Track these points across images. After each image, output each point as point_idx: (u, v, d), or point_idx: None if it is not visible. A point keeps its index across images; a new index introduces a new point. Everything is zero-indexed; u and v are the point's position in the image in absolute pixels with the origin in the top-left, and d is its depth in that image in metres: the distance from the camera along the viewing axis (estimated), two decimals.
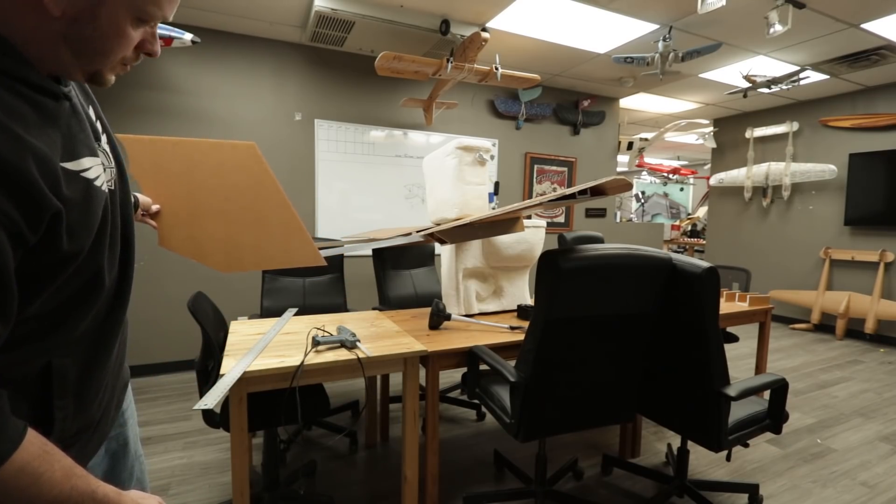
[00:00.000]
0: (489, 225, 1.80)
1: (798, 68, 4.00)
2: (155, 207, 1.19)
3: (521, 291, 2.40)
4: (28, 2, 0.51)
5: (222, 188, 1.18)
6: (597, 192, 1.42)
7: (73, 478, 0.57)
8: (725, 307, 2.53)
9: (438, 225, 2.14)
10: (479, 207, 2.15)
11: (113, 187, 0.69)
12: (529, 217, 2.32)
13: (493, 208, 4.67)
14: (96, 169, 0.62)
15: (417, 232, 1.97)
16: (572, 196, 1.45)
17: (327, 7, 2.95)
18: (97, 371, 0.71)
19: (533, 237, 2.27)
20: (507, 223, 1.78)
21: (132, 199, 0.78)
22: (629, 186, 1.39)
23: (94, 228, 0.62)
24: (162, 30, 2.77)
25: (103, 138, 0.71)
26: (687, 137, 7.04)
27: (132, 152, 1.15)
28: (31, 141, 0.50)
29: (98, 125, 0.71)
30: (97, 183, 0.62)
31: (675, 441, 2.50)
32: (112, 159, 0.72)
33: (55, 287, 0.59)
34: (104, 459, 0.85)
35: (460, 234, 1.80)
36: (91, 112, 0.70)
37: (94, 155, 0.63)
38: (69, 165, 0.56)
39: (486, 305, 2.30)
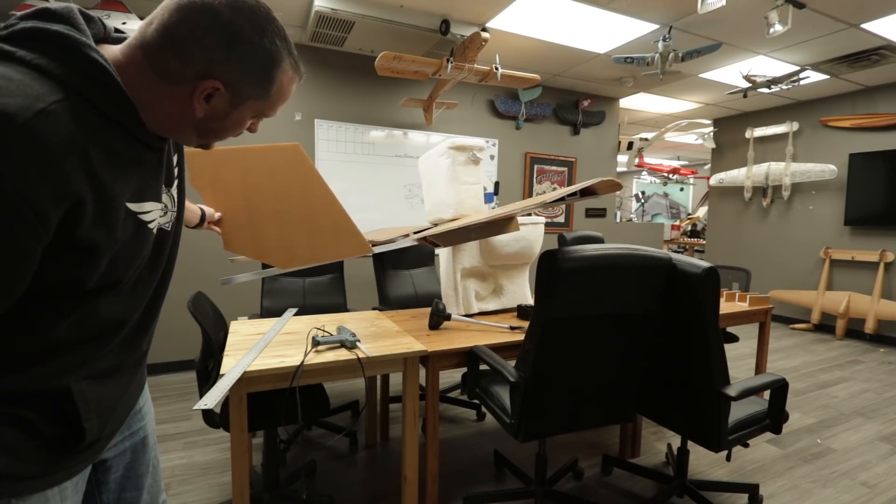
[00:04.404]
0: (482, 226, 1.80)
1: (798, 68, 4.00)
2: (217, 215, 1.29)
3: (522, 289, 2.38)
4: (184, 102, 0.66)
5: (274, 190, 1.25)
6: (587, 192, 1.44)
7: None
8: (725, 307, 2.53)
9: (436, 225, 2.14)
10: (475, 207, 2.14)
11: (169, 228, 0.80)
12: (530, 214, 2.31)
13: (493, 208, 4.68)
14: (154, 213, 0.73)
15: (410, 234, 1.97)
16: (562, 198, 1.46)
17: (327, 7, 2.95)
18: (115, 394, 0.77)
19: (531, 234, 2.25)
20: (500, 223, 1.77)
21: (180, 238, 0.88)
22: (619, 186, 1.41)
23: (134, 263, 0.71)
24: None
25: (175, 183, 0.81)
26: (687, 137, 7.04)
27: (192, 165, 1.20)
28: (101, 174, 0.60)
29: (175, 170, 0.81)
30: (150, 225, 0.72)
31: (675, 441, 2.50)
32: (176, 203, 0.82)
33: (83, 313, 0.68)
34: (126, 454, 0.91)
35: (453, 237, 1.80)
36: (175, 158, 0.81)
37: (158, 200, 0.74)
38: (132, 206, 0.68)
39: (487, 304, 2.30)
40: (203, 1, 0.62)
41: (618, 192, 9.07)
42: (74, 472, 0.73)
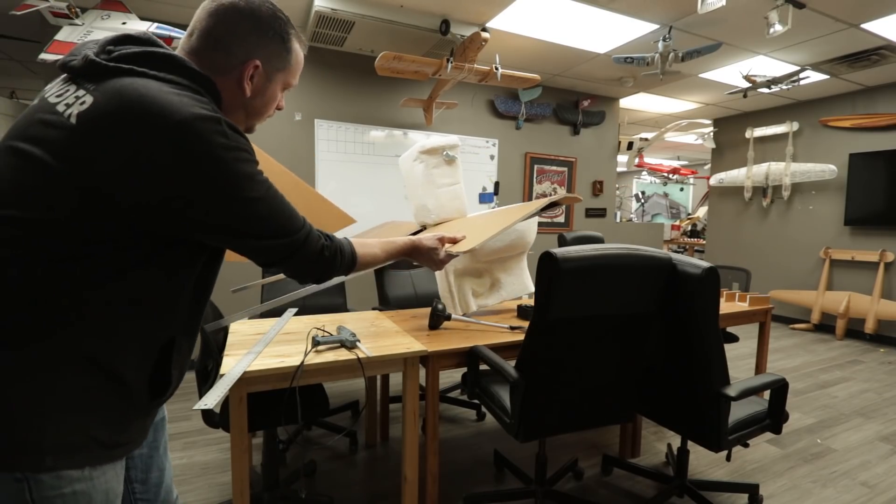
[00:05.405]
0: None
1: (798, 68, 4.00)
2: None
3: (520, 279, 2.30)
4: (236, 89, 0.82)
5: None
6: (551, 204, 1.63)
7: (385, 246, 1.14)
8: (725, 307, 2.53)
9: (423, 227, 2.12)
10: (457, 209, 2.10)
11: None
12: (537, 215, 2.28)
13: (493, 207, 4.68)
14: None
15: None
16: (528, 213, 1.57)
17: (327, 7, 2.95)
18: (188, 353, 0.86)
19: (522, 224, 2.17)
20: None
21: None
22: (578, 199, 1.64)
23: None
24: (162, 30, 2.77)
25: None
26: (687, 137, 7.04)
27: None
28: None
29: None
30: None
31: (675, 441, 2.50)
32: None
33: (213, 271, 0.86)
34: (150, 431, 0.94)
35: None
36: None
37: None
38: None
39: (486, 301, 2.23)
40: (227, 1, 0.79)
41: (618, 192, 8.95)
42: (142, 438, 0.81)
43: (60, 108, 0.68)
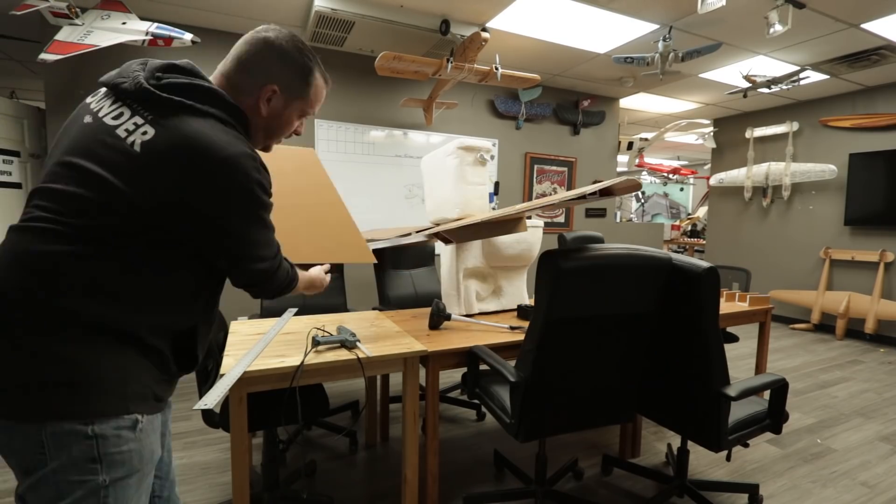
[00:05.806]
0: (493, 225, 1.80)
1: (798, 68, 4.00)
2: None
3: (519, 291, 2.40)
4: (254, 109, 0.94)
5: (284, 187, 1.34)
6: (605, 192, 1.49)
7: (301, 276, 1.20)
8: (725, 307, 2.53)
9: (438, 225, 2.14)
10: (480, 207, 2.16)
11: None
12: (530, 217, 2.32)
13: (494, 208, 4.67)
14: None
15: (419, 232, 1.96)
16: (582, 196, 1.47)
17: (327, 7, 2.95)
18: (206, 339, 0.99)
19: (531, 237, 2.28)
20: (511, 223, 1.78)
21: None
22: (639, 186, 1.47)
23: None
24: (162, 30, 2.77)
25: None
26: (687, 137, 7.04)
27: None
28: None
29: None
30: None
31: (675, 441, 2.50)
32: None
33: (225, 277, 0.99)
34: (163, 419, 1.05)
35: (466, 233, 1.80)
36: None
37: None
38: None
39: (486, 305, 2.31)
40: (262, 35, 0.94)
41: None
42: (169, 398, 0.96)
43: (121, 132, 0.80)
